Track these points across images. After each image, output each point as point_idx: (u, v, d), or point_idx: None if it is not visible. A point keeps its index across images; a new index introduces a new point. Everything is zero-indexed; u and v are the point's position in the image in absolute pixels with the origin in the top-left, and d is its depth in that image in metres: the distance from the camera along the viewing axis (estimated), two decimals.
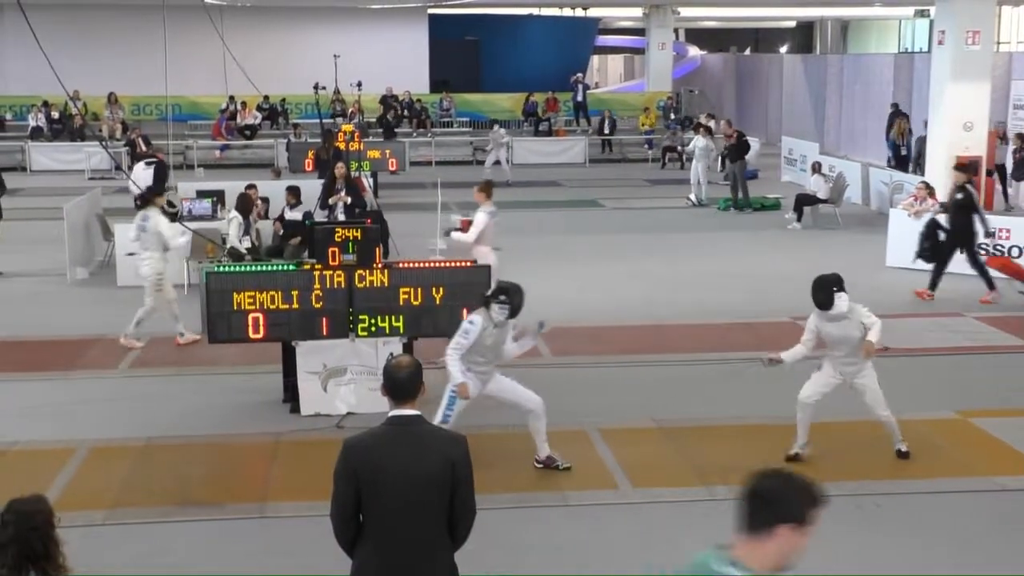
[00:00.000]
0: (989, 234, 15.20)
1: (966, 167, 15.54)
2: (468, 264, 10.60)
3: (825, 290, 8.89)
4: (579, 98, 36.96)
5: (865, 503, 8.34)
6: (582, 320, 13.64)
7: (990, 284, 14.72)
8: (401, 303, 10.19)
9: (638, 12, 42.07)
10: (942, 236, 14.99)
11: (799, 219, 21.03)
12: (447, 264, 10.64)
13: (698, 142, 24.29)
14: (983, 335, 13.10)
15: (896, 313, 14.03)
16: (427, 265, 10.57)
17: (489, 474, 8.92)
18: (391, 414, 4.90)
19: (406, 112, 35.67)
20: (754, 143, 30.46)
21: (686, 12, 42.71)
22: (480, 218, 12.84)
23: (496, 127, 28.69)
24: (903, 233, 16.93)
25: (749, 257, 17.99)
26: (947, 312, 14.06)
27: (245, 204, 15.89)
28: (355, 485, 4.79)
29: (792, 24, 55.63)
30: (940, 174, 20.27)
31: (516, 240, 19.11)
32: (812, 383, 9.22)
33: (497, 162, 27.49)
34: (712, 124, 32.88)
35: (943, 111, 20.58)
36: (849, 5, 42.76)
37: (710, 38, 56.32)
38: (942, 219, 15.14)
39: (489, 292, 8.79)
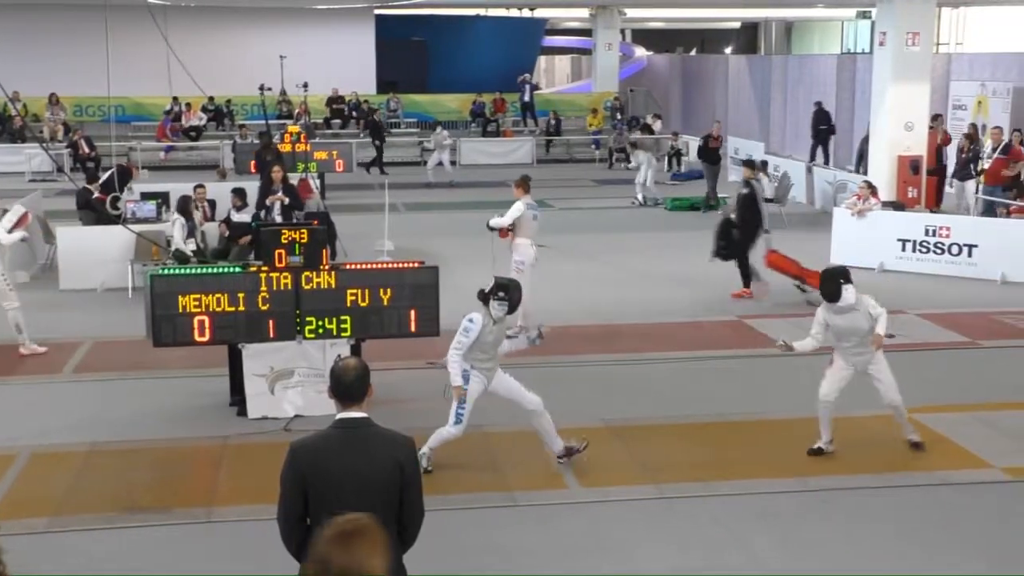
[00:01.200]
0: (766, 230, 15.20)
1: (752, 163, 15.59)
2: (415, 265, 10.56)
3: (833, 282, 9.05)
4: (526, 99, 37.00)
5: (811, 499, 8.43)
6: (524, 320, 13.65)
7: (747, 281, 14.82)
8: (348, 304, 10.15)
9: (585, 13, 42.19)
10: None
11: None
12: (394, 265, 10.61)
13: (639, 158, 24.36)
14: (926, 332, 13.27)
15: None
16: (374, 266, 10.54)
17: (438, 475, 8.93)
18: (338, 417, 4.88)
19: (353, 113, 35.55)
20: (698, 143, 30.74)
21: (632, 13, 42.87)
22: (518, 206, 12.89)
23: (439, 128, 28.63)
24: (847, 232, 17.16)
25: (697, 256, 18.07)
26: (889, 310, 14.21)
27: (185, 206, 15.75)
28: (301, 488, 4.78)
29: (737, 25, 56.07)
30: (883, 173, 20.59)
31: (463, 241, 19.13)
32: (828, 380, 9.35)
33: (440, 163, 27.52)
34: (658, 124, 33.16)
35: (885, 111, 20.87)
36: (792, 6, 43.15)
37: (656, 39, 56.62)
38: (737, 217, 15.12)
39: (487, 289, 8.83)
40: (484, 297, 8.79)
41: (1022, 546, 7.54)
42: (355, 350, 10.30)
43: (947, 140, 21.84)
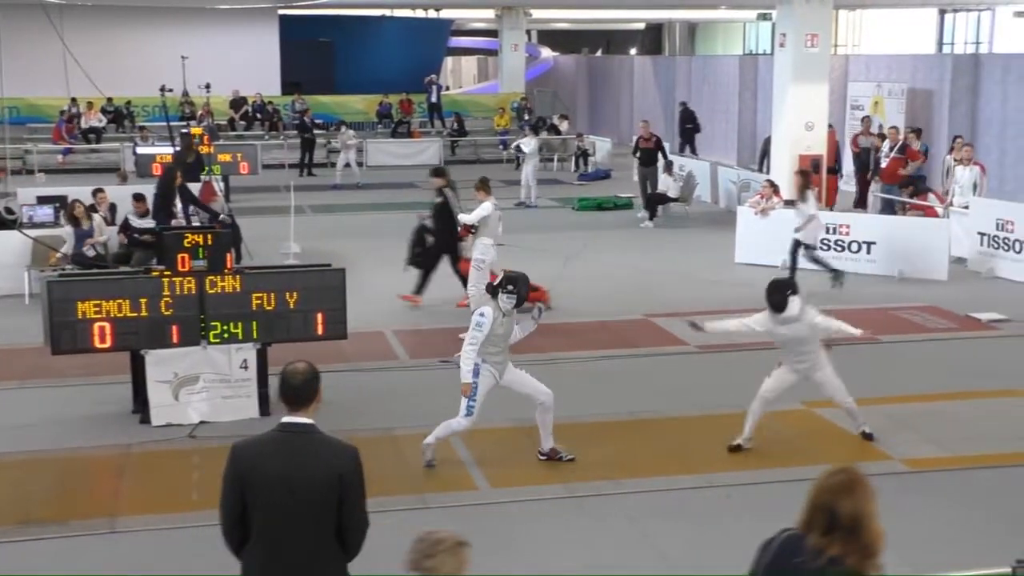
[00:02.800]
0: (461, 239, 15.16)
1: (442, 171, 15.52)
2: (321, 268, 10.47)
3: (780, 292, 9.16)
4: (433, 99, 36.96)
5: (718, 494, 8.53)
6: (437, 322, 13.62)
7: (419, 288, 14.60)
8: (254, 308, 10.02)
9: (490, 14, 42.26)
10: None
11: (651, 218, 21.42)
12: (301, 268, 10.51)
13: (528, 144, 24.52)
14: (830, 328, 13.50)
15: (744, 308, 14.40)
16: (280, 270, 10.43)
17: None
18: (282, 420, 4.88)
19: (258, 115, 35.16)
20: (605, 143, 31.00)
21: (538, 14, 43.04)
22: (486, 206, 12.91)
23: (344, 129, 28.47)
24: (751, 230, 17.43)
25: (604, 256, 18.24)
26: None
27: (70, 213, 15.43)
28: (240, 489, 4.78)
29: (642, 26, 56.59)
30: (784, 172, 20.94)
31: (371, 243, 19.03)
32: (772, 379, 9.49)
33: (347, 164, 27.37)
34: (565, 125, 33.35)
35: (785, 111, 21.28)
36: (696, 8, 43.73)
37: (562, 40, 56.92)
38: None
39: (496, 283, 9.01)
40: (493, 290, 9.00)
41: (921, 534, 7.72)
42: (261, 354, 10.18)
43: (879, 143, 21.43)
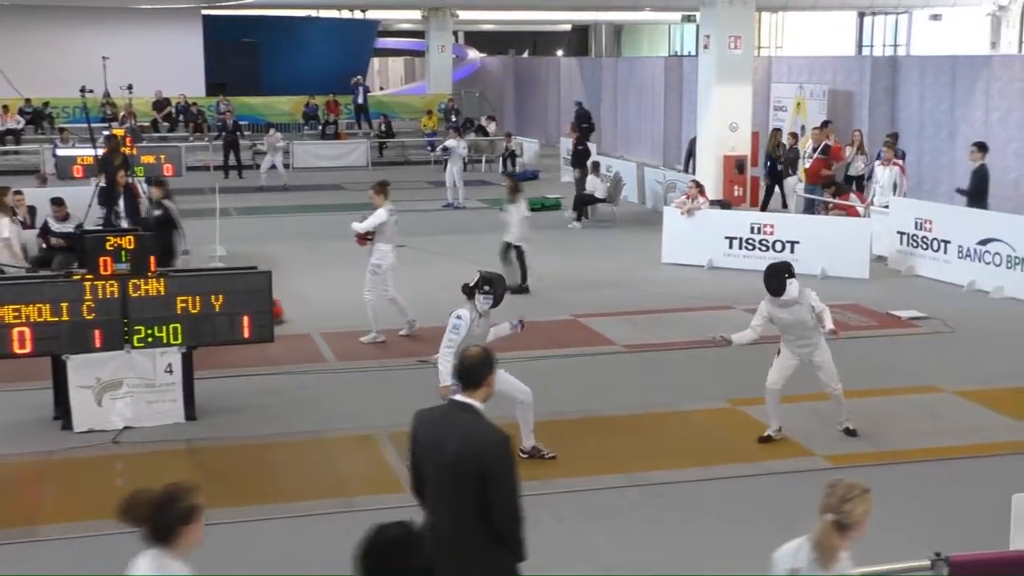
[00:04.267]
0: (185, 251, 15.51)
1: (161, 182, 15.56)
2: (247, 270, 10.37)
3: (778, 277, 9.24)
4: (360, 101, 36.77)
5: (645, 493, 8.60)
6: (366, 325, 13.56)
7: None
8: (179, 311, 9.90)
9: (417, 15, 42.16)
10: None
11: (579, 218, 21.53)
12: (226, 271, 10.41)
13: (450, 143, 24.54)
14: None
15: (671, 308, 14.56)
16: (205, 272, 10.31)
17: (277, 484, 8.80)
18: (453, 398, 5.30)
19: (181, 116, 34.72)
20: (533, 144, 31.10)
21: (465, 15, 43.03)
22: (380, 213, 12.82)
23: (271, 131, 28.25)
24: (677, 230, 17.58)
25: (532, 257, 18.25)
26: (718, 305, 14.66)
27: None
28: (414, 448, 5.28)
29: (568, 28, 56.86)
30: (709, 173, 21.21)
31: (297, 245, 18.90)
32: (775, 369, 9.60)
33: (273, 166, 27.17)
34: (492, 126, 33.39)
35: (710, 112, 21.52)
36: (621, 10, 44.01)
37: (489, 41, 56.98)
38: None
39: (472, 283, 8.91)
40: (469, 291, 8.91)
41: None
42: (186, 358, 10.06)
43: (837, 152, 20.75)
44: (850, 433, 9.67)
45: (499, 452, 5.02)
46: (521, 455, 9.14)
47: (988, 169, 17.17)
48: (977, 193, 16.92)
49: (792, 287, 9.22)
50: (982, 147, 17.41)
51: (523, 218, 15.43)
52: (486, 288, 8.85)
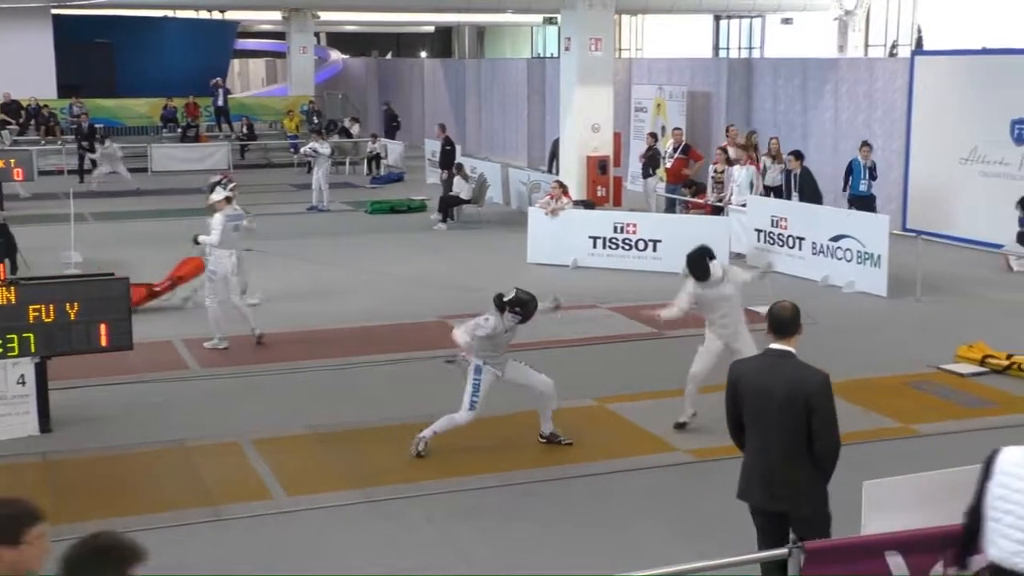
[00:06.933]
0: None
1: None
2: (104, 277, 10.10)
3: (699, 263, 9.57)
4: (220, 103, 36.15)
5: (515, 492, 8.66)
6: (229, 329, 13.34)
7: None
8: (32, 321, 9.58)
9: (277, 16, 41.61)
10: None
11: (445, 220, 21.55)
12: (81, 278, 10.12)
13: (315, 146, 24.34)
14: (616, 324, 13.89)
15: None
16: (59, 280, 10.00)
17: (137, 494, 8.61)
18: (768, 347, 6.05)
19: (32, 119, 33.60)
20: (397, 146, 31.00)
21: (326, 16, 42.65)
22: (218, 219, 12.57)
23: (107, 142, 27.36)
24: (542, 230, 17.74)
25: (398, 258, 18.23)
26: (583, 304, 14.84)
27: None
28: (732, 396, 6.11)
29: (431, 29, 56.85)
30: (572, 173, 21.46)
31: (156, 250, 18.47)
32: (699, 357, 9.82)
33: (114, 172, 26.60)
34: (356, 128, 33.18)
35: (572, 113, 21.77)
36: (483, 11, 44.21)
37: (352, 42, 56.60)
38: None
39: (507, 298, 9.15)
40: (501, 305, 9.14)
41: (706, 522, 8.03)
42: (40, 368, 9.75)
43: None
44: None
45: (822, 389, 5.85)
46: (540, 440, 9.55)
47: (810, 171, 18.36)
48: (812, 194, 17.87)
49: (715, 268, 9.64)
50: (798, 155, 18.48)
51: None
52: (517, 309, 9.12)
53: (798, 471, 5.88)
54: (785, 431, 5.85)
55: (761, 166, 19.48)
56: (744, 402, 6.04)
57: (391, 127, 33.91)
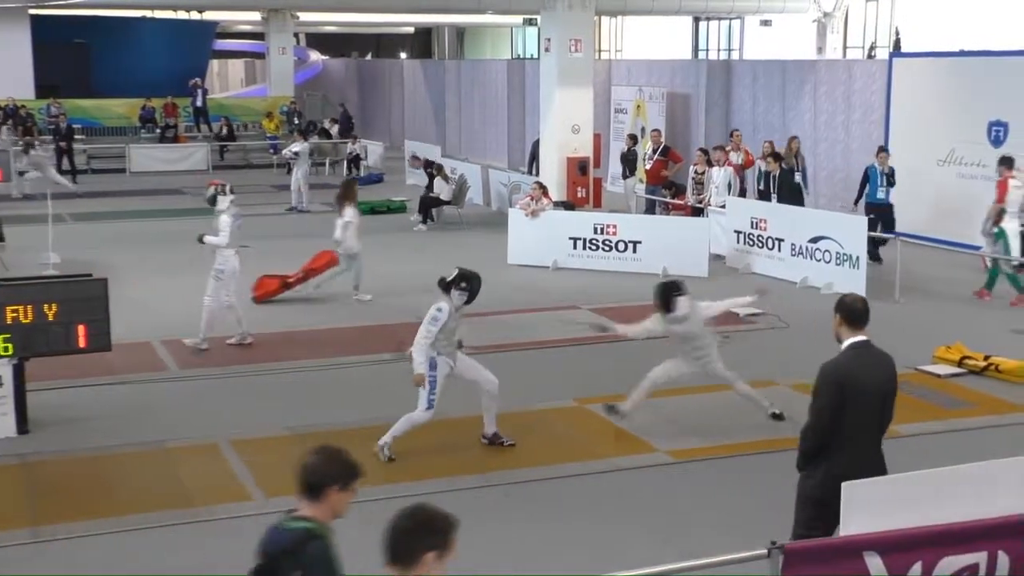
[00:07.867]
0: None
1: None
2: (82, 278, 10.05)
3: (666, 296, 9.51)
4: (198, 103, 36.01)
5: (493, 492, 8.66)
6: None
7: None
8: (9, 322, 9.53)
9: (257, 16, 41.47)
10: None
11: (424, 221, 21.53)
12: (59, 279, 10.07)
13: (295, 146, 24.29)
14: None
15: (517, 308, 14.68)
16: (38, 280, 9.96)
17: (116, 497, 8.56)
18: (849, 341, 6.28)
19: (10, 119, 33.37)
20: (377, 147, 30.96)
21: (306, 17, 42.51)
22: (224, 220, 12.60)
23: (33, 151, 26.75)
24: (522, 232, 17.75)
25: (378, 259, 18.17)
26: (564, 305, 14.86)
27: None
28: (839, 397, 6.13)
29: (411, 30, 56.77)
30: (553, 174, 21.48)
31: (135, 251, 18.42)
32: (663, 367, 9.90)
33: (60, 177, 26.42)
34: (335, 129, 33.13)
35: (552, 114, 21.79)
36: (463, 12, 44.17)
37: (331, 43, 56.47)
38: None
39: (450, 279, 9.18)
40: (446, 286, 9.16)
41: (685, 522, 8.06)
42: (18, 369, 9.69)
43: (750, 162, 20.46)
44: (777, 417, 10.03)
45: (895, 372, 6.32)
46: (483, 441, 9.49)
47: (791, 172, 18.22)
48: (791, 195, 17.86)
49: (681, 304, 9.55)
50: (777, 158, 18.45)
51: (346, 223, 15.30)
52: (463, 285, 9.14)
53: (877, 450, 6.28)
54: (879, 414, 6.23)
55: (756, 168, 19.59)
56: (854, 402, 6.14)
57: (347, 128, 34.23)
